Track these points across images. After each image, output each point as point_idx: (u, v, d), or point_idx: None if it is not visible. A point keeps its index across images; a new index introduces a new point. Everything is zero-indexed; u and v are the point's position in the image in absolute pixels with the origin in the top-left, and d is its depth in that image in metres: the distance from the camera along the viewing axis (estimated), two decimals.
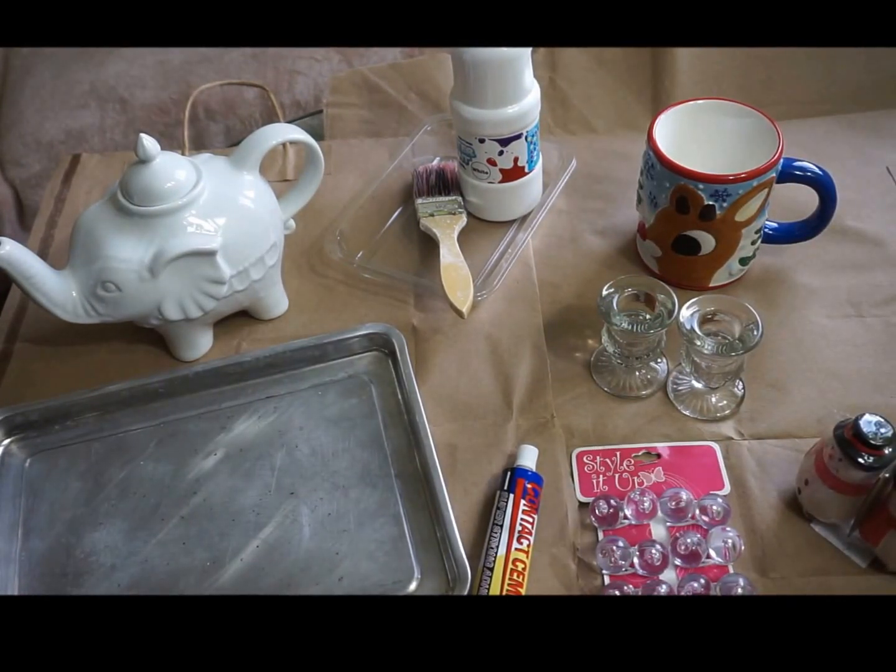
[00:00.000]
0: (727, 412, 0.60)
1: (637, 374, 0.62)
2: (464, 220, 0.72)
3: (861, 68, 0.81)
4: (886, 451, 0.47)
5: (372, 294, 0.70)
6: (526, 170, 0.70)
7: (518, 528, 0.53)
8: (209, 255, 0.57)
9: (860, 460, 0.48)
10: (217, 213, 0.58)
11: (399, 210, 0.76)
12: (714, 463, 0.57)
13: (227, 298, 0.61)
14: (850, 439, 0.48)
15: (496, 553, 0.52)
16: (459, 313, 0.63)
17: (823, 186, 0.63)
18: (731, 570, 0.52)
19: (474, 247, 0.72)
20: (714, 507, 0.54)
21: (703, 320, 0.57)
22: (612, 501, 0.55)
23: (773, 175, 0.61)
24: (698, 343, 0.55)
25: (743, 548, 0.52)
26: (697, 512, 0.54)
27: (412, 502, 0.56)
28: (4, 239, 0.54)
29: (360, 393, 0.62)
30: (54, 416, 0.61)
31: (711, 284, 0.67)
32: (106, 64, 1.02)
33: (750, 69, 0.82)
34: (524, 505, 0.54)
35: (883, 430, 0.48)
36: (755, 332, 0.55)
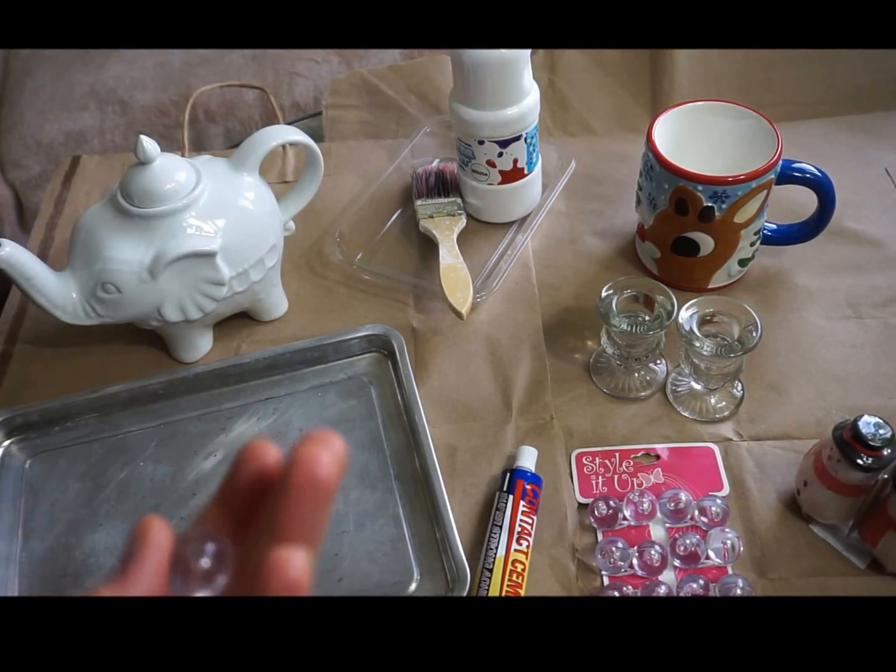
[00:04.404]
0: (726, 413, 0.60)
1: (636, 375, 0.62)
2: (463, 221, 0.73)
3: (860, 70, 0.81)
4: (885, 453, 0.48)
5: (371, 295, 0.70)
6: (525, 171, 0.70)
7: (517, 529, 0.53)
8: (209, 256, 0.57)
9: (859, 461, 0.48)
10: (217, 214, 0.58)
11: (398, 211, 0.76)
12: (713, 464, 0.57)
13: (226, 300, 0.61)
14: (848, 440, 0.48)
15: (495, 554, 0.52)
16: (459, 315, 0.63)
17: (822, 188, 0.63)
18: (730, 571, 0.52)
19: (474, 248, 0.72)
20: (713, 508, 0.54)
21: (702, 321, 0.57)
22: (612, 502, 0.55)
23: (772, 176, 0.61)
24: (697, 344, 0.55)
25: (742, 549, 0.52)
26: (696, 513, 0.54)
27: (411, 503, 0.56)
28: (4, 240, 0.54)
29: (360, 394, 0.62)
30: (54, 417, 0.61)
31: (710, 286, 0.67)
32: (106, 66, 1.02)
33: (749, 71, 0.82)
34: (523, 506, 0.54)
35: (882, 432, 0.48)
36: (754, 334, 0.55)
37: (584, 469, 0.58)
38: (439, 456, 0.57)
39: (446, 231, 0.71)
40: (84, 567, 0.55)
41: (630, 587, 0.51)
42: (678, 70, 0.82)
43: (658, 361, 0.63)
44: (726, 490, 0.56)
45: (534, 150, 0.70)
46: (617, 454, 0.58)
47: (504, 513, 0.53)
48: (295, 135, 0.63)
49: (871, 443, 0.47)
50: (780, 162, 0.61)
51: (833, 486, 0.50)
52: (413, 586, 0.53)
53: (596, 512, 0.55)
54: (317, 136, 0.80)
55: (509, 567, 0.51)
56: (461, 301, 0.64)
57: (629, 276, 0.61)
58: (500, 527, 0.53)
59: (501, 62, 0.63)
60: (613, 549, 0.52)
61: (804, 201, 0.65)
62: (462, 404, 0.62)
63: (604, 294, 0.59)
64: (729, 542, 0.52)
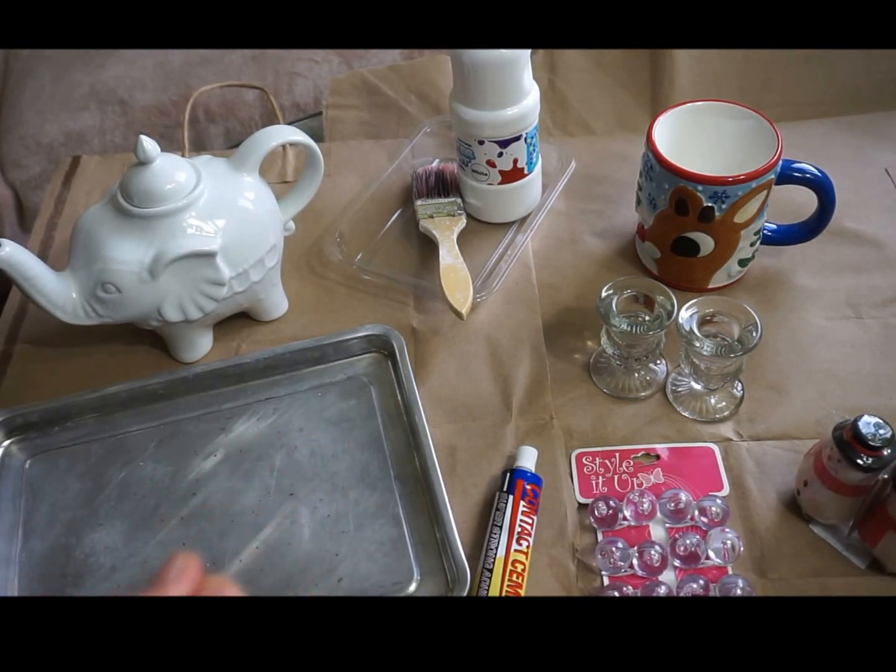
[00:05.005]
0: (726, 413, 0.60)
1: (636, 375, 0.62)
2: (463, 221, 0.73)
3: (860, 70, 0.81)
4: (885, 453, 0.48)
5: (371, 295, 0.70)
6: (525, 171, 0.70)
7: (517, 529, 0.53)
8: (209, 256, 0.57)
9: (859, 461, 0.48)
10: (217, 214, 0.58)
11: (398, 212, 0.76)
12: (713, 464, 0.57)
13: (226, 300, 0.61)
14: (848, 440, 0.48)
15: (495, 554, 0.52)
16: (459, 315, 0.63)
17: (822, 188, 0.63)
18: (730, 571, 0.52)
19: (473, 248, 0.72)
20: (713, 509, 0.54)
21: (702, 322, 0.57)
22: (612, 502, 0.55)
23: (772, 177, 0.61)
24: (697, 344, 0.55)
25: (742, 549, 0.52)
26: (696, 513, 0.54)
27: (411, 503, 0.56)
28: (4, 240, 0.54)
29: (360, 394, 0.62)
30: (54, 417, 0.61)
31: (710, 286, 0.67)
32: (106, 66, 1.02)
33: (749, 71, 0.82)
34: (523, 506, 0.54)
35: (882, 432, 0.48)
36: (754, 334, 0.55)
37: (584, 469, 0.58)
38: (439, 456, 0.57)
39: (446, 231, 0.71)
40: (84, 567, 0.55)
41: (630, 587, 0.51)
42: (678, 70, 0.82)
43: (658, 361, 0.63)
44: (726, 490, 0.56)
45: (534, 150, 0.70)
46: (617, 454, 0.58)
47: (504, 513, 0.53)
48: (295, 135, 0.63)
49: (871, 443, 0.47)
50: (780, 162, 0.61)
51: (833, 486, 0.50)
52: (413, 586, 0.53)
53: (596, 512, 0.55)
54: (317, 136, 0.80)
55: (509, 567, 0.51)
56: (461, 301, 0.64)
57: (629, 277, 0.61)
58: (500, 527, 0.53)
59: (501, 62, 0.63)
60: (613, 549, 0.52)
61: (804, 201, 0.65)
62: (462, 404, 0.62)
63: (604, 294, 0.59)
64: (729, 542, 0.52)
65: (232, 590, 0.39)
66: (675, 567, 0.53)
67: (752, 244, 0.65)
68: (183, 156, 0.64)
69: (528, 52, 0.65)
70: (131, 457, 0.60)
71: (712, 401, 0.61)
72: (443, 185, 0.75)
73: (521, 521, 0.53)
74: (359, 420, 0.61)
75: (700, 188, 0.60)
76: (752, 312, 0.56)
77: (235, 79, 0.99)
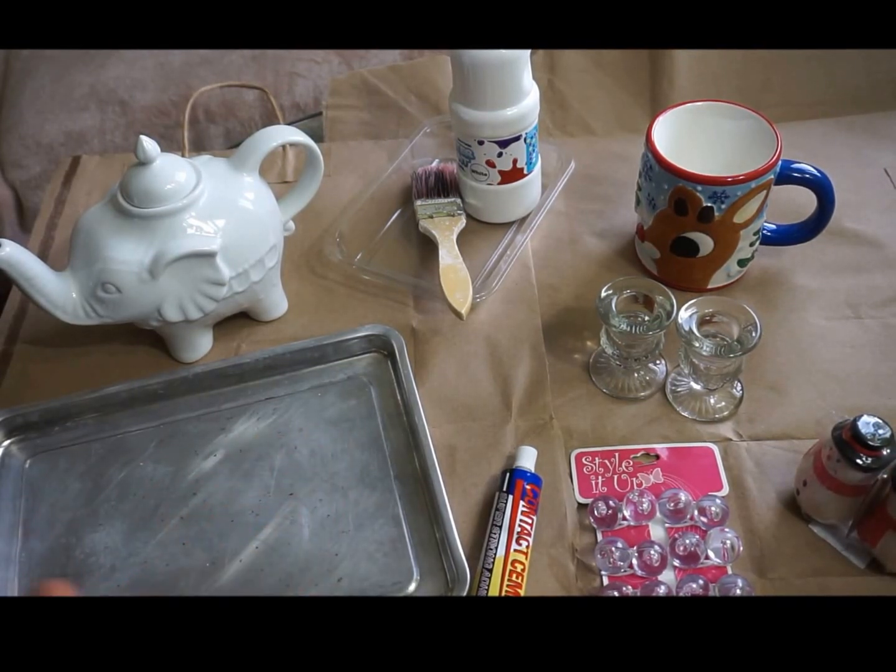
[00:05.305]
0: (726, 413, 0.60)
1: (636, 375, 0.62)
2: (463, 221, 0.73)
3: (859, 70, 0.81)
4: (884, 453, 0.48)
5: (371, 296, 0.70)
6: (525, 171, 0.71)
7: (517, 529, 0.53)
8: (209, 256, 0.57)
9: (858, 461, 0.48)
10: (217, 214, 0.58)
11: (398, 212, 0.76)
12: (713, 464, 0.57)
13: (226, 300, 0.61)
14: (848, 440, 0.48)
15: (495, 554, 0.52)
16: (458, 315, 0.63)
17: (822, 188, 0.63)
18: (730, 571, 0.52)
19: (473, 248, 0.72)
20: (712, 508, 0.54)
21: (702, 322, 0.57)
22: (611, 502, 0.55)
23: (772, 177, 0.61)
24: (697, 344, 0.55)
25: (741, 549, 0.52)
26: (696, 513, 0.54)
27: (411, 503, 0.56)
28: (4, 240, 0.54)
29: (360, 394, 0.62)
30: (54, 417, 0.62)
31: (710, 286, 0.67)
32: (106, 66, 1.02)
33: (748, 71, 0.82)
34: (523, 506, 0.54)
35: (881, 432, 0.48)
36: (753, 334, 0.55)
37: (584, 469, 0.58)
38: (439, 456, 0.57)
39: (446, 231, 0.71)
40: (84, 567, 0.55)
41: (629, 587, 0.51)
42: (678, 70, 0.82)
43: (657, 361, 0.63)
44: (726, 490, 0.56)
45: (533, 151, 0.70)
46: (616, 454, 0.58)
47: (504, 513, 0.54)
48: (295, 135, 0.63)
49: (871, 443, 0.47)
50: (780, 162, 0.61)
51: (832, 486, 0.50)
52: (413, 586, 0.53)
53: (595, 512, 0.55)
54: (317, 137, 0.80)
55: (509, 567, 0.51)
56: (461, 301, 0.64)
57: (629, 277, 0.61)
58: (500, 527, 0.53)
59: (501, 62, 0.63)
60: (613, 549, 0.52)
61: (804, 201, 0.65)
62: (462, 404, 0.62)
63: (603, 294, 0.59)
64: (728, 541, 0.52)
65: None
66: (675, 567, 0.53)
67: (752, 244, 0.65)
68: (183, 156, 0.64)
69: (527, 52, 0.65)
70: (131, 457, 0.60)
71: (712, 401, 0.61)
72: (442, 186, 0.75)
73: (521, 520, 0.53)
74: (358, 420, 0.61)
75: (699, 188, 0.60)
76: (752, 312, 0.56)
77: (235, 79, 0.99)
